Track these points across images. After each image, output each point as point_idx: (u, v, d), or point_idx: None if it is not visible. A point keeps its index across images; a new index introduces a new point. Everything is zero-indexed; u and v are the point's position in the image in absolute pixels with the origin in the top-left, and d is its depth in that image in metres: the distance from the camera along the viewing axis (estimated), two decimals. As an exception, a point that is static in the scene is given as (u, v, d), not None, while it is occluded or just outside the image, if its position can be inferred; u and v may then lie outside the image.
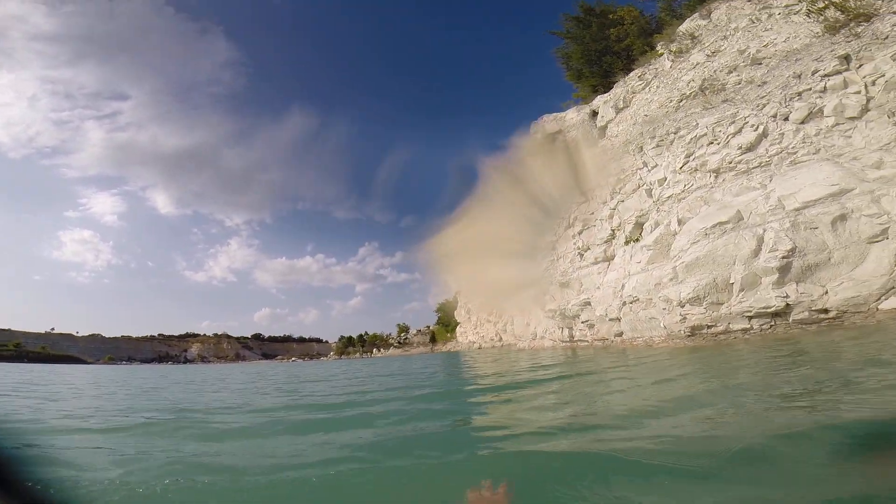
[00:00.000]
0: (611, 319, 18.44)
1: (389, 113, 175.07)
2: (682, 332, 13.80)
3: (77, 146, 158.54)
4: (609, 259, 19.23)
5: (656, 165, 17.54)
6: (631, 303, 16.76)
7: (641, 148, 18.63)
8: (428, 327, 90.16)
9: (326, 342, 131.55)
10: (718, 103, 18.04)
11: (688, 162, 16.38)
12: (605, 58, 34.89)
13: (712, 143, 15.96)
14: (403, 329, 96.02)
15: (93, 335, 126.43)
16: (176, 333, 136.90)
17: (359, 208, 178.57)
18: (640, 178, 17.86)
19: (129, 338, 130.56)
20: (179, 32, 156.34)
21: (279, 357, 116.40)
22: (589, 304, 20.51)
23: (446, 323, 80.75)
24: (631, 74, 26.99)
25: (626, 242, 17.73)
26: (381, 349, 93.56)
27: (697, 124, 16.85)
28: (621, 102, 25.50)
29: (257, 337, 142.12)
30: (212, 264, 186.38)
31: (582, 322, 21.72)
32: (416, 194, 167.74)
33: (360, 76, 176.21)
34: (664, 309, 14.36)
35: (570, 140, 30.45)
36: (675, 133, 17.57)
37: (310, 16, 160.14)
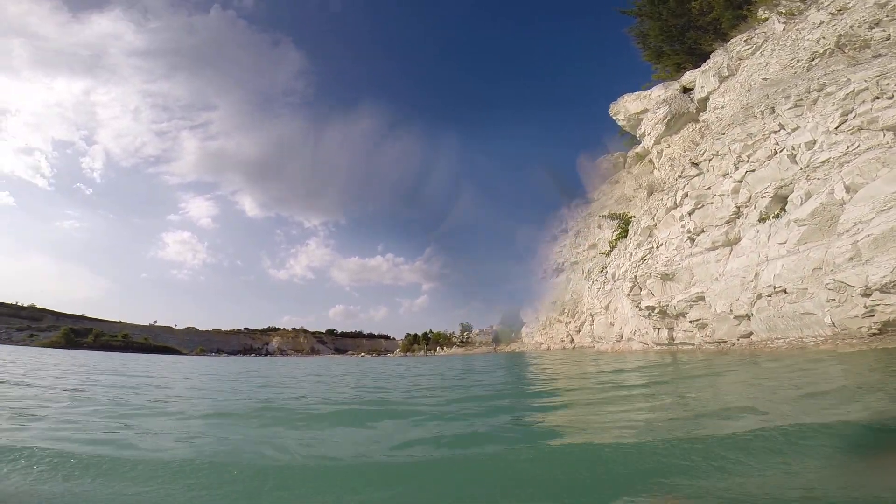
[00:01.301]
0: (736, 317, 14.68)
1: (450, 113, 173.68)
2: (866, 328, 10.05)
3: (176, 155, 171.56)
4: (732, 243, 15.45)
5: (797, 128, 13.65)
6: (770, 295, 13.01)
7: (773, 109, 14.75)
8: (491, 326, 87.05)
9: (393, 339, 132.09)
10: (868, 58, 14.24)
11: (846, 120, 12.44)
12: (689, 33, 31.03)
13: (878, 97, 11.97)
14: (466, 328, 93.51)
15: (188, 328, 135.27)
16: (259, 327, 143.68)
17: (423, 208, 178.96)
18: (777, 143, 14.01)
19: (219, 331, 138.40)
20: (253, 44, 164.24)
21: (350, 352, 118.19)
22: (702, 299, 16.76)
23: (510, 323, 77.22)
24: (732, 41, 23.00)
25: (762, 220, 13.94)
26: (444, 347, 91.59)
27: (849, 80, 12.92)
28: (725, 70, 21.41)
29: (331, 332, 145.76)
30: (293, 263, 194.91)
31: (689, 322, 17.93)
32: (478, 194, 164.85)
33: (422, 76, 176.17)
34: (832, 300, 10.62)
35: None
36: (818, 91, 13.63)
37: (372, 21, 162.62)
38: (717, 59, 22.29)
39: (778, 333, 12.97)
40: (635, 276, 21.38)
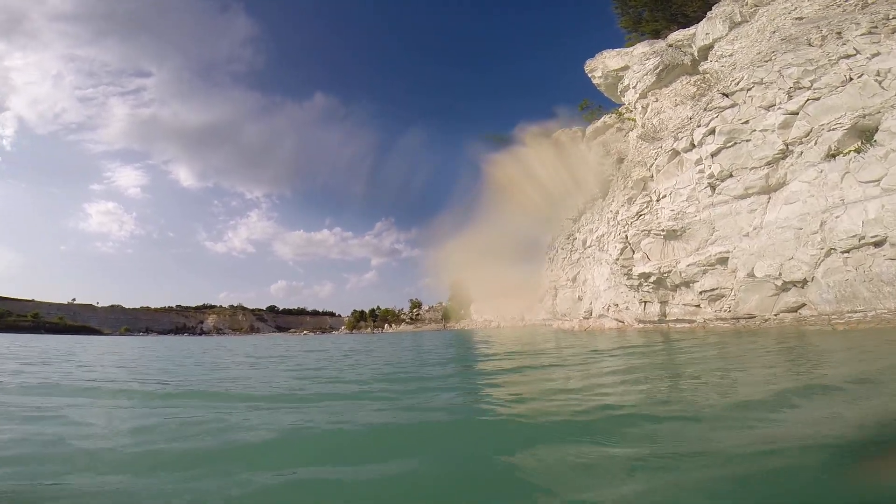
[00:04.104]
0: (786, 283, 11.19)
1: (407, 94, 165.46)
2: None
3: (102, 122, 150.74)
4: (773, 189, 11.97)
5: (878, 54, 10.16)
6: (851, 250, 9.52)
7: (840, 35, 11.21)
8: (441, 304, 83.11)
9: (339, 316, 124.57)
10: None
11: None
12: None
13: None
14: (416, 305, 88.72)
15: (112, 306, 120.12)
16: (193, 305, 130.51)
17: (376, 184, 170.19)
18: (851, 69, 10.43)
19: (148, 309, 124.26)
20: (199, 10, 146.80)
21: (292, 330, 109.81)
22: (724, 261, 13.26)
23: (460, 300, 73.81)
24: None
25: (830, 156, 10.38)
26: (393, 324, 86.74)
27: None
28: (738, 16, 17.97)
29: (272, 309, 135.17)
30: (231, 235, 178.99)
31: (700, 293, 14.47)
32: (429, 173, 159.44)
33: (378, 56, 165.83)
34: None
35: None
36: None
37: None
38: (726, 7, 18.86)
39: (857, 304, 9.53)
40: (626, 237, 17.74)
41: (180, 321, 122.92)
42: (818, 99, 10.93)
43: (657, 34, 27.40)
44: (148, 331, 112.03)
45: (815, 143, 10.94)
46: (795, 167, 11.42)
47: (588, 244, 26.08)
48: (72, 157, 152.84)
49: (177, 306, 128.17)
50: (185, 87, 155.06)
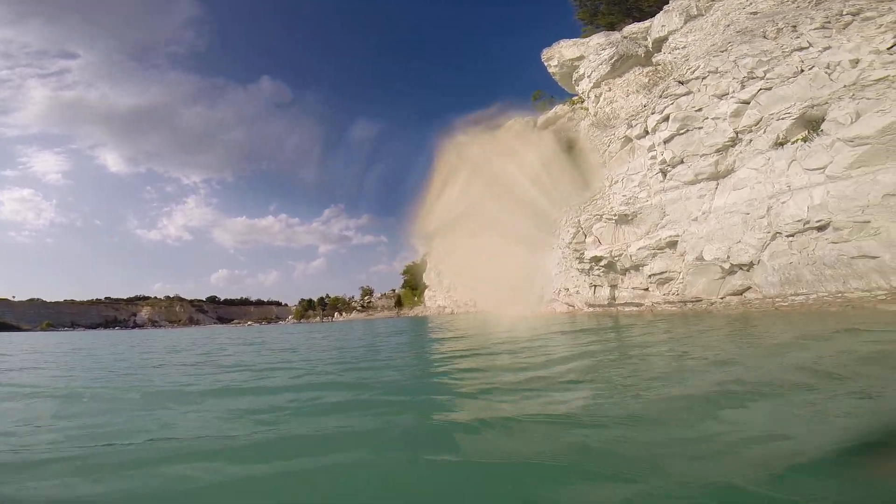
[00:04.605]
0: (733, 266, 11.52)
1: (362, 84, 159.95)
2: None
3: (18, 105, 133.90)
4: (722, 175, 12.27)
5: (829, 47, 10.50)
6: (795, 234, 9.87)
7: (795, 28, 11.52)
8: (393, 291, 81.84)
9: (286, 305, 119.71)
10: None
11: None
12: None
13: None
14: (367, 292, 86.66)
15: (31, 300, 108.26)
16: (125, 297, 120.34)
17: (327, 171, 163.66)
18: (802, 61, 10.74)
19: (73, 302, 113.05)
20: None
21: (235, 321, 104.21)
22: (674, 244, 13.54)
23: (414, 286, 73.04)
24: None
25: (778, 144, 10.69)
26: (344, 313, 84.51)
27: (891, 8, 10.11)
28: (694, 9, 18.34)
29: (213, 300, 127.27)
30: (166, 222, 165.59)
31: (648, 276, 14.76)
32: (386, 162, 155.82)
33: (330, 45, 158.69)
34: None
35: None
36: (854, 15, 10.64)
37: None
38: (683, 1, 19.20)
39: (801, 287, 9.91)
40: (578, 221, 17.85)
41: (110, 314, 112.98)
42: (770, 89, 11.21)
43: (612, 27, 27.84)
44: (74, 325, 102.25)
45: (764, 132, 11.24)
46: (744, 154, 11.72)
47: (541, 229, 26.33)
48: None
49: (106, 298, 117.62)
50: (115, 70, 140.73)
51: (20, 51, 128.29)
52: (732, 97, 11.88)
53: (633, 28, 23.73)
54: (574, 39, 25.94)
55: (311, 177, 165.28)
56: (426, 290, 65.75)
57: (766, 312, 10.45)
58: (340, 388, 4.70)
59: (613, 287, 17.73)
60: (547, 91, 38.31)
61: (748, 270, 11.29)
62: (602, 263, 17.19)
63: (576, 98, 28.95)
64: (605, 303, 18.01)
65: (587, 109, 24.16)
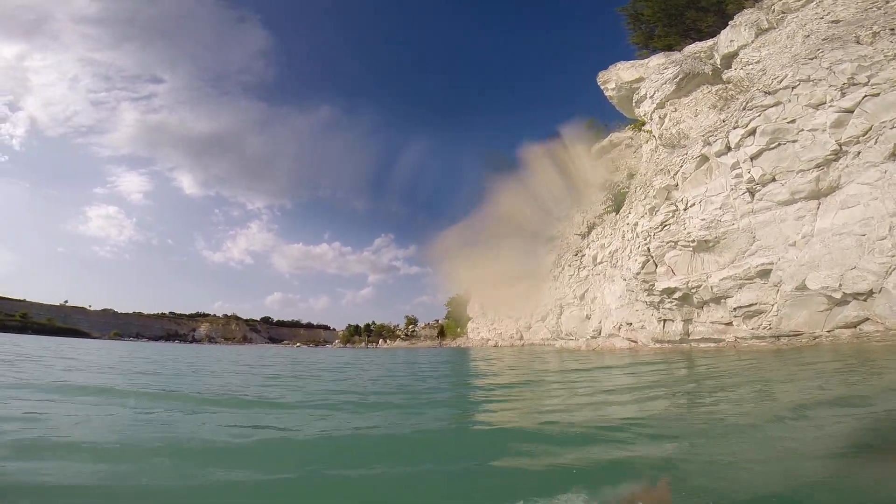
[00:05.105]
0: (846, 295, 9.66)
1: (411, 108, 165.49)
2: None
3: (112, 126, 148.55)
4: (824, 193, 10.55)
5: None
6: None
7: (894, 31, 10.07)
8: (437, 321, 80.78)
9: (333, 329, 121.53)
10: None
11: None
12: (689, 13, 27.84)
13: None
14: (412, 321, 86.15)
15: (105, 310, 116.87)
16: (187, 312, 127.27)
17: (377, 199, 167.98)
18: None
19: (141, 314, 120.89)
20: (217, 20, 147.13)
21: (285, 342, 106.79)
22: (766, 274, 11.73)
23: (457, 318, 71.73)
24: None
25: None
26: (388, 340, 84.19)
27: None
28: (765, 23, 16.97)
29: (266, 320, 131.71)
30: (230, 245, 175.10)
31: (735, 308, 12.89)
32: (432, 190, 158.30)
33: (385, 70, 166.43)
34: None
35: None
36: None
37: (342, 7, 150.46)
38: (751, 15, 17.91)
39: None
40: (648, 249, 16.22)
41: (172, 328, 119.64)
42: (877, 95, 9.62)
43: (669, 49, 26.69)
44: (139, 336, 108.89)
45: (876, 142, 9.57)
46: (852, 168, 10.02)
47: (599, 260, 24.59)
48: (78, 161, 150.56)
49: (170, 313, 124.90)
50: (194, 95, 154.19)
51: (117, 74, 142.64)
52: (832, 106, 10.32)
53: (694, 48, 22.46)
54: (632, 62, 24.96)
55: (362, 205, 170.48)
56: (469, 322, 64.18)
57: (892, 346, 8.54)
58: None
59: (687, 322, 15.83)
60: (602, 114, 37.21)
61: (865, 300, 9.39)
62: (675, 296, 15.42)
63: (635, 124, 27.68)
64: (677, 339, 16.06)
65: (650, 132, 22.80)
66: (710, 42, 21.51)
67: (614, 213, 23.85)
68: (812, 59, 11.28)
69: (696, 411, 4.00)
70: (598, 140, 33.31)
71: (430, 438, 3.40)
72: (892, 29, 10.36)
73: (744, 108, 12.46)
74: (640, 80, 23.78)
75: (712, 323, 14.61)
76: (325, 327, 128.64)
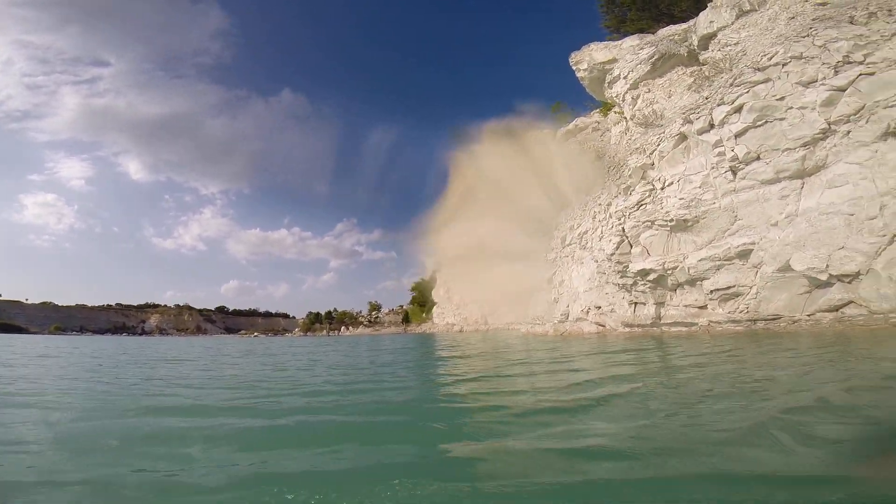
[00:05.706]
0: (832, 277, 9.41)
1: (377, 94, 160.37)
2: None
3: (50, 111, 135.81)
4: (810, 172, 10.24)
5: None
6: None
7: (891, 12, 9.94)
8: (401, 307, 79.58)
9: (293, 318, 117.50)
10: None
11: None
12: None
13: None
14: (375, 307, 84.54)
15: (44, 303, 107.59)
16: (136, 303, 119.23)
17: (340, 184, 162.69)
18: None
19: (84, 307, 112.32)
20: (169, 0, 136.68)
21: (242, 332, 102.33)
22: (746, 255, 11.44)
23: (422, 303, 70.93)
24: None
25: (889, 134, 8.73)
26: (350, 327, 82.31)
27: None
28: (747, 5, 16.69)
29: (221, 310, 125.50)
30: (182, 232, 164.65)
31: (712, 291, 12.62)
32: (399, 175, 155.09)
33: (349, 54, 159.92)
34: None
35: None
36: None
37: None
38: None
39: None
40: (623, 229, 15.78)
41: (119, 320, 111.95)
42: (872, 74, 9.31)
43: (642, 32, 26.49)
44: (83, 330, 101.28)
45: (867, 122, 9.28)
46: (840, 147, 9.74)
47: (567, 242, 24.22)
48: (11, 147, 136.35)
49: (116, 304, 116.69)
50: (144, 78, 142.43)
51: (57, 57, 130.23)
52: (823, 84, 9.98)
53: (669, 30, 22.16)
54: (605, 42, 24.43)
55: (325, 190, 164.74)
56: (434, 307, 63.58)
57: (876, 330, 8.33)
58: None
59: (659, 305, 15.58)
60: (567, 102, 36.92)
61: (850, 282, 9.17)
62: (650, 278, 15.08)
63: (603, 107, 27.35)
64: (648, 322, 15.81)
65: (621, 113, 22.43)
66: (685, 25, 21.22)
67: (584, 195, 23.44)
68: (804, 36, 10.91)
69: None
70: (565, 124, 32.96)
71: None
72: (890, 10, 10.07)
73: (731, 85, 12.03)
74: (613, 60, 23.27)
75: (686, 306, 14.38)
76: (285, 315, 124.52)
